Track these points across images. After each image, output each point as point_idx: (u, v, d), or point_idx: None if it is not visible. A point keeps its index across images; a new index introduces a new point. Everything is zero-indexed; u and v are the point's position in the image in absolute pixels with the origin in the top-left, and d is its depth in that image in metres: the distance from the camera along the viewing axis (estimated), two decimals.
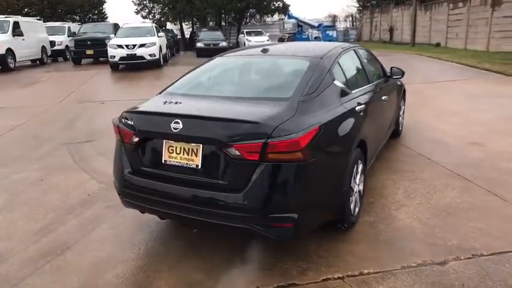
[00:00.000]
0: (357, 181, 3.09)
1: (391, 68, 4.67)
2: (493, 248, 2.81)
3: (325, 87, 2.84)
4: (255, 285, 2.54)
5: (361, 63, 3.88)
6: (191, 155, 2.50)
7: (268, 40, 27.07)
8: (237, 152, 2.32)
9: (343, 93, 3.07)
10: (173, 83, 3.33)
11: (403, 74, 4.63)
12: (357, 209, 3.15)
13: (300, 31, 27.55)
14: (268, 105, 2.58)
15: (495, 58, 14.00)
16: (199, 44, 21.87)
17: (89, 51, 16.76)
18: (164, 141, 2.60)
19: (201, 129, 2.46)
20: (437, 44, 20.82)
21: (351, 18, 35.92)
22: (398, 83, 5.18)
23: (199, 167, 2.48)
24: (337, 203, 2.75)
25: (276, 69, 3.33)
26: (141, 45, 14.59)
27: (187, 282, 2.60)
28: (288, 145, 2.27)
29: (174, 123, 2.48)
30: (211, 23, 36.08)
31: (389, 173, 4.30)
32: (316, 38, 26.77)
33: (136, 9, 33.92)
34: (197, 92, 3.14)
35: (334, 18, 36.42)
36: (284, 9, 33.78)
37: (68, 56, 18.76)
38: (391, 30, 26.80)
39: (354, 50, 3.87)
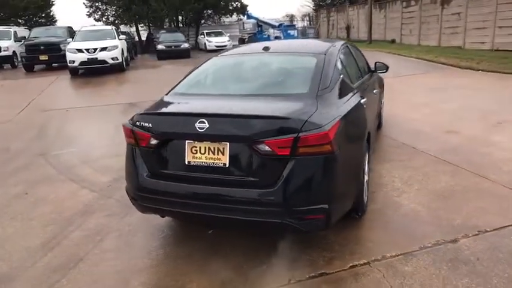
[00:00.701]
0: (366, 171, 3.23)
1: (375, 63, 4.87)
2: (494, 224, 3.05)
3: (335, 82, 2.94)
4: (286, 278, 2.58)
5: (354, 58, 4.03)
6: (217, 154, 2.50)
7: (229, 41, 27.09)
8: (268, 148, 2.35)
9: (349, 87, 3.19)
10: (178, 84, 3.29)
11: (387, 68, 4.85)
12: (366, 198, 3.29)
13: (260, 31, 27.77)
14: (289, 101, 2.63)
15: (447, 52, 14.94)
16: (160, 46, 21.41)
17: (43, 57, 15.85)
18: (186, 141, 2.57)
19: (229, 128, 2.47)
20: (393, 41, 21.83)
21: (308, 18, 36.73)
22: (380, 77, 5.42)
23: (227, 165, 2.48)
24: (357, 192, 2.86)
25: (284, 66, 3.38)
26: (103, 49, 14.08)
27: (219, 281, 2.59)
28: (318, 138, 2.33)
29: (199, 123, 2.46)
30: (168, 25, 35.45)
31: (382, 162, 4.50)
32: (277, 38, 27.11)
33: (88, 11, 32.53)
34: (210, 91, 3.12)
35: (291, 17, 37.09)
36: (242, 10, 33.87)
37: (17, 63, 17.60)
38: (347, 28, 27.73)
39: (347, 46, 4.01)
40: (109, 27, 17.49)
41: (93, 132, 6.96)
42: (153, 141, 2.65)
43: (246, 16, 30.47)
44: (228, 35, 29.08)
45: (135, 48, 24.63)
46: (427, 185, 3.85)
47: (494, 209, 3.31)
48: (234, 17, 35.23)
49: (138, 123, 2.72)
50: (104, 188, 4.31)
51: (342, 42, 4.03)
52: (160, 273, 2.73)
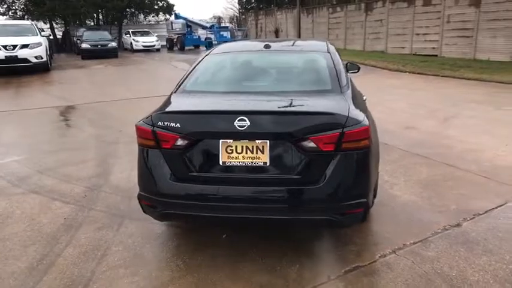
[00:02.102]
0: None
1: (346, 63, 5.09)
2: (483, 207, 3.39)
3: (348, 79, 3.03)
4: (324, 275, 2.58)
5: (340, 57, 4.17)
6: (256, 153, 2.40)
7: (157, 41, 26.13)
8: (313, 144, 2.32)
9: (353, 84, 3.30)
10: (184, 81, 3.07)
11: (358, 69, 5.10)
12: None
13: (189, 32, 27.23)
14: (321, 98, 2.64)
15: (373, 56, 16.26)
16: (85, 45, 19.87)
17: None
18: (221, 141, 2.42)
19: (271, 125, 2.38)
20: None
21: (236, 20, 37.03)
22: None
23: (268, 164, 2.40)
24: (376, 185, 2.97)
25: (294, 63, 3.35)
26: (24, 46, 12.63)
27: (258, 284, 2.50)
28: (360, 133, 2.37)
29: (238, 120, 2.34)
30: (87, 22, 33.00)
31: None
32: (207, 39, 26.88)
33: None
34: (230, 89, 2.96)
35: (219, 19, 37.06)
36: (169, 9, 32.93)
37: None
38: (276, 31, 28.58)
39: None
40: (28, 22, 15.74)
41: (34, 138, 6.19)
42: (181, 142, 2.45)
43: (174, 16, 29.60)
44: (156, 34, 28.06)
45: (52, 47, 22.48)
46: (411, 177, 4.14)
47: (476, 194, 3.68)
48: (161, 16, 34.11)
49: (160, 123, 2.49)
50: (80, 199, 3.87)
51: (326, 41, 4.15)
52: (190, 285, 2.54)
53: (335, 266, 2.68)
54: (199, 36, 27.47)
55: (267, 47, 3.45)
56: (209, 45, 26.39)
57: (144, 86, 11.39)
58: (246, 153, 2.41)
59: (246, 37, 30.44)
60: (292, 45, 3.92)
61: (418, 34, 16.28)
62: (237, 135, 2.38)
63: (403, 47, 17.03)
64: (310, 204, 2.39)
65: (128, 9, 31.47)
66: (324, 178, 2.36)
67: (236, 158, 2.42)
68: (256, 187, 2.42)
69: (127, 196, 3.89)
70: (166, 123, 2.47)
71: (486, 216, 3.27)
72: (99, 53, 19.86)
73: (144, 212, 2.79)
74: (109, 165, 4.82)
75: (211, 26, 25.94)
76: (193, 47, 27.08)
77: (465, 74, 11.07)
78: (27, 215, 3.56)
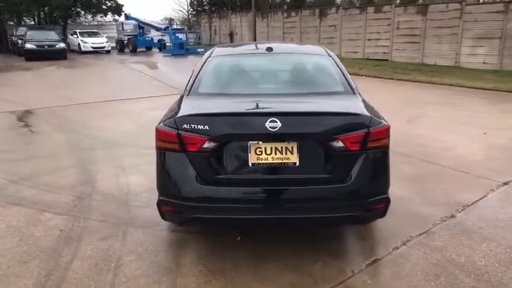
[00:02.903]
0: None
1: None
2: (469, 199, 3.70)
3: (353, 81, 3.17)
4: (348, 270, 2.68)
5: None
6: (286, 154, 2.44)
7: (107, 42, 25.03)
8: (342, 144, 2.41)
9: None
10: (194, 84, 3.02)
11: None
12: None
13: (141, 33, 26.41)
14: (338, 99, 2.75)
15: None
16: (29, 46, 18.54)
17: None
18: (249, 142, 2.43)
19: (301, 126, 2.44)
20: None
21: (188, 22, 36.52)
22: None
23: (297, 164, 2.44)
24: None
25: (302, 66, 3.42)
26: None
27: (288, 284, 2.54)
28: (382, 132, 2.50)
29: (270, 122, 2.37)
30: (27, 21, 30.76)
31: None
32: (160, 41, 26.26)
33: None
34: (247, 91, 2.96)
35: (170, 21, 36.33)
36: (117, 10, 31.72)
37: None
38: (231, 35, 28.63)
39: None
40: None
41: None
42: (209, 145, 2.42)
43: (124, 17, 28.52)
44: (106, 35, 26.89)
45: None
46: (399, 173, 4.38)
47: (459, 187, 4.00)
48: (109, 17, 32.73)
49: (187, 126, 2.44)
50: (71, 209, 3.65)
51: (322, 45, 4.29)
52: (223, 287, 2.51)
53: (355, 260, 2.79)
54: (152, 38, 26.74)
55: (269, 49, 3.50)
56: (163, 47, 25.86)
57: (103, 89, 10.89)
58: (276, 154, 2.44)
59: (199, 40, 30.15)
60: (292, 48, 4.00)
61: (370, 39, 17.19)
62: (267, 137, 2.41)
63: (356, 52, 17.89)
64: (339, 202, 2.48)
65: (73, 8, 29.83)
66: (350, 176, 2.46)
67: (266, 159, 2.45)
68: (286, 187, 2.46)
69: (123, 204, 3.73)
70: (193, 125, 2.43)
71: (474, 207, 3.57)
72: (45, 54, 18.63)
73: (164, 218, 2.72)
74: (92, 173, 4.58)
75: (166, 28, 25.32)
76: (145, 49, 26.31)
77: (417, 77, 11.89)
78: (16, 229, 3.29)
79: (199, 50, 23.25)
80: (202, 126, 2.42)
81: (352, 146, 2.43)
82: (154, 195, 3.93)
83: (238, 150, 2.46)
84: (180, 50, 22.41)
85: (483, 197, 3.76)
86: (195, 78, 3.09)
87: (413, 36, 15.26)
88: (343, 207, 2.50)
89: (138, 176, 4.43)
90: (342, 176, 2.47)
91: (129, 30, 26.28)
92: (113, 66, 17.59)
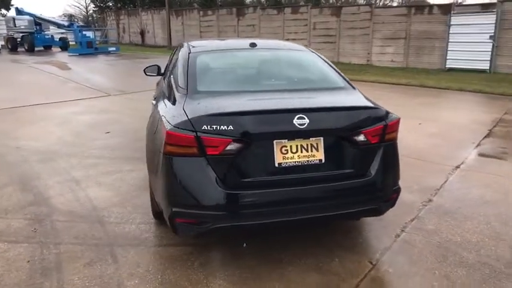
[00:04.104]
0: None
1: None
2: (437, 184, 4.02)
3: None
4: (365, 261, 2.70)
5: None
6: (311, 151, 2.35)
7: None
8: (363, 138, 2.41)
9: None
10: (188, 83, 2.73)
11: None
12: None
13: (39, 30, 23.56)
14: (346, 93, 2.76)
15: None
16: None
17: None
18: (275, 141, 2.28)
19: (326, 121, 2.37)
20: None
21: (92, 19, 33.72)
22: None
23: (323, 161, 2.37)
24: None
25: (293, 61, 3.34)
26: None
27: (314, 284, 2.47)
28: (395, 125, 2.57)
29: (297, 118, 2.25)
30: None
31: None
32: (62, 39, 23.75)
33: None
34: (247, 87, 2.76)
35: (70, 17, 33.13)
36: (5, 3, 27.94)
37: None
38: (142, 33, 27.24)
39: None
40: None
41: None
42: (233, 147, 2.20)
43: (16, 11, 25.10)
44: None
45: None
46: None
47: (424, 174, 4.34)
48: None
49: (206, 127, 2.19)
50: (32, 235, 3.07)
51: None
52: None
53: (368, 252, 2.83)
54: (52, 36, 24.06)
55: (253, 45, 3.36)
56: (66, 45, 23.37)
57: (14, 93, 9.44)
58: (301, 152, 2.34)
59: (105, 37, 28.06)
60: (274, 44, 3.88)
61: (288, 39, 17.83)
62: (294, 134, 2.29)
63: None
64: (364, 195, 2.49)
65: None
66: (371, 170, 2.48)
67: (291, 158, 2.33)
68: (314, 185, 2.37)
69: (95, 222, 3.25)
70: (214, 126, 2.19)
71: (443, 190, 3.90)
72: None
73: (177, 232, 2.42)
74: (39, 189, 3.90)
75: (70, 25, 22.98)
76: (43, 48, 23.56)
77: None
78: None
79: (110, 49, 21.67)
80: (225, 127, 2.19)
81: (372, 139, 2.45)
82: (128, 209, 3.54)
83: (263, 150, 2.29)
84: (89, 49, 20.57)
85: (446, 181, 4.13)
86: (187, 76, 2.80)
87: (329, 36, 16.27)
88: (366, 200, 2.51)
89: (98, 188, 3.91)
90: (363, 170, 2.47)
91: (23, 27, 23.26)
92: (14, 67, 15.39)
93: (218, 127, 2.20)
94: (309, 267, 2.63)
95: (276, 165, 2.31)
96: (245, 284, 2.47)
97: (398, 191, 2.69)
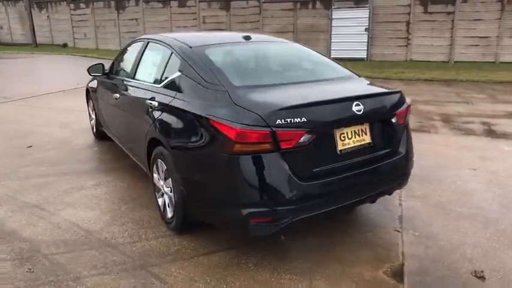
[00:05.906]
0: None
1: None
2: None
3: None
4: (393, 230, 3.00)
5: None
6: (361, 135, 2.51)
7: None
8: (396, 119, 2.67)
9: None
10: (220, 78, 2.56)
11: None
12: None
13: None
14: (360, 81, 2.98)
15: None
16: None
17: None
18: (335, 130, 2.37)
19: (373, 107, 2.54)
20: (65, 45, 20.44)
21: None
22: None
23: (371, 144, 2.55)
24: None
25: (295, 54, 3.40)
26: None
27: (364, 256, 2.66)
28: (409, 106, 2.90)
29: (355, 105, 2.39)
30: None
31: None
32: None
33: None
34: (274, 80, 2.80)
35: None
36: None
37: None
38: None
39: None
40: None
41: None
42: (306, 138, 2.22)
43: None
44: None
45: None
46: None
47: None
48: None
49: (280, 121, 2.13)
50: (31, 277, 2.51)
51: None
52: None
53: (386, 229, 3.06)
54: None
55: (247, 38, 3.32)
56: None
57: None
58: (355, 137, 2.49)
59: None
60: (264, 37, 3.79)
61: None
62: (351, 120, 2.42)
63: None
64: (398, 171, 2.77)
65: None
66: (401, 148, 2.77)
67: (348, 144, 2.46)
68: (367, 167, 2.53)
69: (102, 246, 2.82)
70: (288, 119, 2.16)
71: (426, 174, 4.48)
72: None
73: (252, 233, 2.30)
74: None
75: None
76: None
77: None
78: None
79: None
80: (299, 119, 2.18)
81: (401, 120, 2.73)
82: (130, 225, 3.25)
83: (326, 139, 2.37)
84: None
85: None
86: (212, 71, 2.60)
87: (220, 30, 16.42)
88: (398, 176, 2.81)
89: (74, 210, 3.35)
90: (396, 149, 2.75)
91: None
92: None
93: (292, 120, 2.17)
94: (353, 245, 2.79)
95: (338, 152, 2.41)
96: (312, 272, 2.50)
97: (413, 165, 3.05)
